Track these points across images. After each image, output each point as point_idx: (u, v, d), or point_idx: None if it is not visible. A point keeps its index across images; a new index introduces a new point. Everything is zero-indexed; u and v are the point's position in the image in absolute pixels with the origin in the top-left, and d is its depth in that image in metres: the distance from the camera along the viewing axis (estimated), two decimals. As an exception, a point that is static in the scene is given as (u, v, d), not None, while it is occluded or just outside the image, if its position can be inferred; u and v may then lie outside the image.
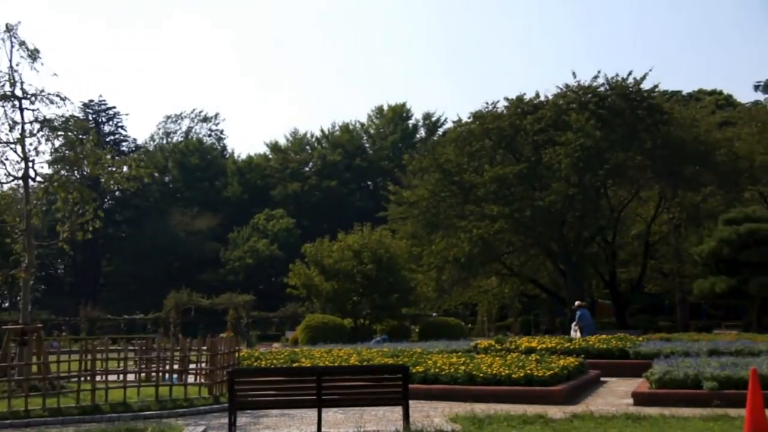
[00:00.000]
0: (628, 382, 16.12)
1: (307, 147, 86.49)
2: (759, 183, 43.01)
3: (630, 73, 38.69)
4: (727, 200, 40.73)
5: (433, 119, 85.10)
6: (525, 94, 40.50)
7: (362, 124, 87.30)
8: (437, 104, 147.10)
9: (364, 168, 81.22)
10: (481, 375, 14.51)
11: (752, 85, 67.60)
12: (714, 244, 32.08)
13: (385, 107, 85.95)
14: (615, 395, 14.74)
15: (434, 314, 46.82)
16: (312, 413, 11.72)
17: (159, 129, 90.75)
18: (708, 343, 19.48)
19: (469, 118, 41.05)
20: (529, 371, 14.40)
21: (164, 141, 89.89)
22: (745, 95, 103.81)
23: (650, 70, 41.07)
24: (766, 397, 10.86)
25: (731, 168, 40.60)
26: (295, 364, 17.86)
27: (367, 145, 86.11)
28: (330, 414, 12.59)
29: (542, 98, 40.39)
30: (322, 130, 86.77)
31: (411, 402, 11.03)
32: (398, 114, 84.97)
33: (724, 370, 13.31)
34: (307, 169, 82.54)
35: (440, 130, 79.45)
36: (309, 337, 33.54)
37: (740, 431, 9.42)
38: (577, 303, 27.01)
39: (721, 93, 65.96)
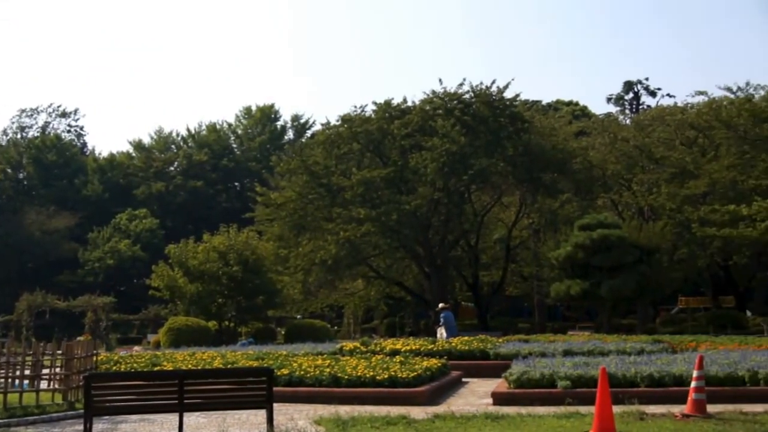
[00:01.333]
0: (488, 382, 16.59)
1: (173, 146, 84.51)
2: (611, 191, 45.27)
3: (494, 82, 39.92)
4: (582, 207, 42.67)
5: (302, 121, 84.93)
6: (393, 98, 41.05)
7: (230, 125, 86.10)
8: (306, 106, 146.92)
9: (231, 169, 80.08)
10: (347, 377, 14.61)
11: (605, 97, 71.02)
12: (570, 248, 33.38)
13: (254, 108, 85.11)
14: (476, 395, 15.15)
15: (300, 316, 46.72)
16: (173, 418, 11.47)
17: (13, 123, 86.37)
18: (563, 344, 20.31)
19: (337, 121, 41.21)
20: (393, 373, 14.60)
21: (18, 136, 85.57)
22: (599, 107, 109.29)
23: (512, 80, 42.61)
24: (615, 394, 11.48)
25: (586, 176, 42.59)
26: (156, 368, 17.42)
27: (234, 145, 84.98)
28: (192, 418, 12.37)
29: (410, 103, 41.05)
30: (188, 130, 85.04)
31: (276, 405, 10.99)
32: (266, 115, 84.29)
33: (576, 369, 13.93)
34: (172, 168, 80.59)
35: (309, 132, 79.39)
36: (172, 340, 32.77)
37: (590, 427, 9.87)
38: (441, 305, 27.56)
39: (577, 104, 69.02)
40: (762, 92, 40.16)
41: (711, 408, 11.30)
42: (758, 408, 11.75)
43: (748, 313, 43.69)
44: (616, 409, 10.71)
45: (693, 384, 11.27)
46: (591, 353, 18.22)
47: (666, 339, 23.97)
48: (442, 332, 25.79)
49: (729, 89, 41.70)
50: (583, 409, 11.65)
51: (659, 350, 18.84)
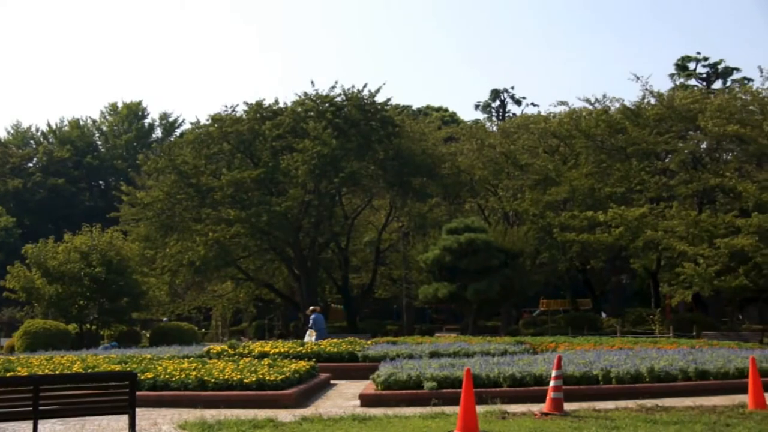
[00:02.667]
0: (356, 384, 16.70)
1: (32, 141, 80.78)
2: (478, 196, 46.47)
3: (365, 86, 40.30)
4: (450, 211, 43.63)
5: (171, 119, 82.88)
6: (264, 99, 40.78)
7: (94, 121, 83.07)
8: (175, 105, 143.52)
9: (95, 166, 77.24)
10: (213, 380, 14.37)
11: (473, 104, 72.87)
12: (438, 252, 33.94)
13: (120, 104, 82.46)
14: (344, 397, 15.22)
15: (166, 319, 45.60)
16: (27, 426, 10.97)
17: None
18: (430, 346, 20.66)
19: (207, 120, 40.58)
20: (261, 376, 14.48)
21: None
22: (468, 114, 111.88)
23: (384, 84, 43.09)
24: (479, 394, 11.80)
25: (454, 181, 43.56)
26: (9, 374, 16.58)
27: (99, 142, 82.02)
28: (48, 426, 11.86)
29: (281, 105, 40.89)
30: (48, 125, 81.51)
31: (139, 410, 10.70)
32: (133, 112, 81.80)
33: (443, 370, 14.22)
34: (30, 165, 76.97)
35: (177, 131, 77.66)
36: (27, 344, 31.28)
37: (454, 427, 10.10)
38: (311, 308, 27.58)
39: (447, 110, 70.51)
40: (617, 105, 42.22)
41: (568, 406, 11.78)
42: (610, 405, 12.36)
43: (603, 315, 45.78)
44: (480, 408, 11.01)
45: (552, 383, 11.72)
46: (457, 355, 18.62)
47: (528, 340, 24.77)
48: (310, 335, 25.80)
49: (588, 101, 43.64)
50: (448, 409, 11.91)
51: (521, 351, 19.46)
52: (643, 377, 14.34)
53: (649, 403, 12.42)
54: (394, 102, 43.57)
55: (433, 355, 18.34)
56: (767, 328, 41.36)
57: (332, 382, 17.92)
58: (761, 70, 39.42)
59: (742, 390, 12.65)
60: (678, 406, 12.19)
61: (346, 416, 11.64)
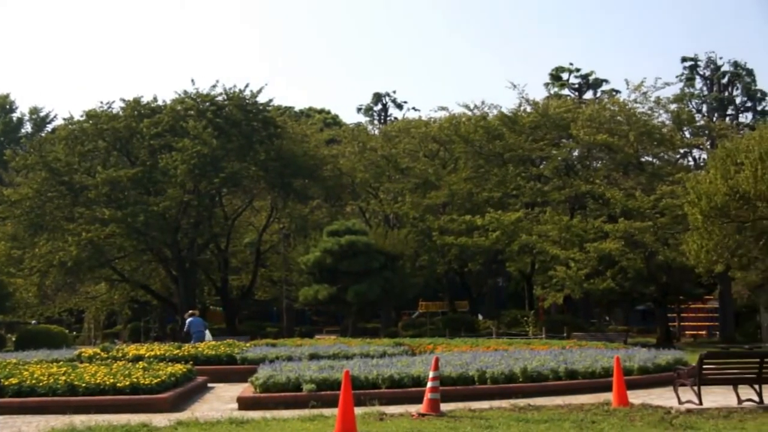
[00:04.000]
0: (235, 387, 16.49)
1: None
2: (359, 198, 46.74)
3: (247, 86, 39.95)
4: (331, 213, 43.70)
5: (42, 114, 79.47)
6: (143, 96, 39.75)
7: (-43, 114, 78.73)
8: (46, 99, 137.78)
9: (-43, 162, 73.29)
10: (84, 385, 13.88)
11: (356, 107, 73.24)
12: (319, 253, 33.96)
13: (-15, 97, 78.45)
14: (221, 401, 15.01)
15: (35, 321, 43.69)
16: None
17: None
18: (310, 348, 20.65)
19: (81, 116, 39.16)
20: (135, 379, 14.09)
21: None
22: (350, 116, 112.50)
23: (266, 84, 42.79)
24: (358, 396, 11.88)
25: (336, 183, 43.67)
26: None
27: (-38, 136, 77.84)
28: None
29: (160, 102, 39.97)
30: None
31: (1, 417, 10.23)
32: (1, 105, 78.07)
33: (322, 372, 14.24)
34: None
35: (49, 127, 74.57)
36: None
37: (332, 429, 10.14)
38: (189, 312, 27.17)
39: (329, 112, 70.54)
40: (495, 111, 43.34)
41: (445, 406, 12.01)
42: (485, 405, 12.69)
43: (480, 317, 46.84)
44: (359, 410, 11.09)
45: (429, 384, 11.92)
46: (336, 357, 18.69)
47: (407, 342, 25.08)
48: (208, 336, 25.72)
49: (467, 107, 44.62)
50: (327, 411, 11.93)
51: (400, 353, 19.69)
52: (517, 377, 14.79)
53: (522, 402, 12.82)
54: (276, 103, 43.36)
55: (313, 357, 18.34)
56: (631, 329, 43.45)
57: (210, 385, 17.65)
58: (628, 83, 41.31)
59: (608, 388, 13.23)
60: (549, 404, 12.63)
61: (223, 420, 11.49)
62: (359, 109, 70.12)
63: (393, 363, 15.70)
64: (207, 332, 26.38)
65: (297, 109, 65.28)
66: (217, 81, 40.24)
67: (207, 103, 38.95)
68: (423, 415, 11.50)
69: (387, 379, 13.99)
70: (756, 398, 12.50)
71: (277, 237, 45.06)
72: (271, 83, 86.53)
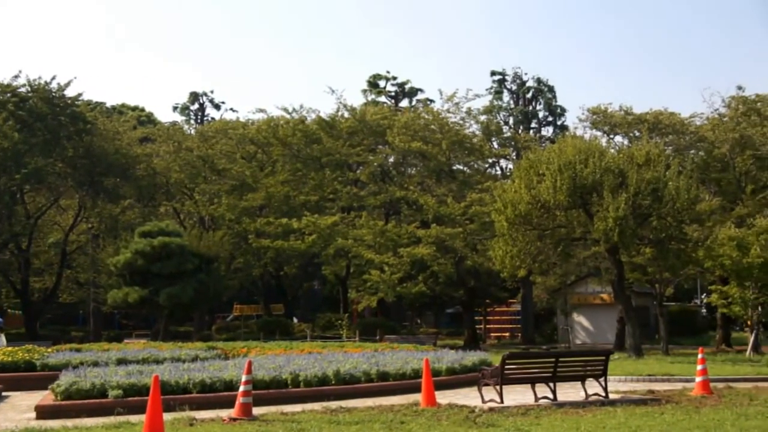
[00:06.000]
0: (34, 395, 15.59)
1: None
2: (174, 199, 45.61)
3: (54, 78, 38.01)
4: (144, 213, 42.41)
5: None
6: None
7: None
8: None
9: None
10: None
11: (171, 106, 71.30)
12: (129, 255, 32.91)
13: None
14: (17, 410, 14.13)
15: None
16: None
17: None
18: (118, 353, 19.92)
19: None
20: None
21: None
22: (166, 115, 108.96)
23: (75, 78, 40.90)
24: (167, 401, 11.58)
25: (149, 183, 42.45)
26: None
27: None
28: None
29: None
30: None
31: None
32: None
33: (130, 378, 13.76)
34: None
35: None
36: None
37: (140, 436, 9.84)
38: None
39: (143, 110, 68.25)
40: (313, 115, 43.62)
41: (257, 410, 11.94)
42: (298, 408, 12.73)
43: (295, 320, 46.98)
44: (168, 416, 10.81)
45: (241, 388, 11.82)
46: (146, 361, 18.14)
47: (220, 346, 24.80)
48: (2, 341, 24.12)
49: (286, 110, 44.65)
50: (134, 418, 11.54)
51: (213, 357, 19.42)
52: (330, 380, 14.95)
53: (334, 404, 12.97)
54: (86, 97, 41.53)
55: (121, 362, 17.69)
56: (441, 331, 45.02)
57: (5, 394, 16.58)
58: (441, 93, 42.90)
59: (418, 389, 13.63)
60: (360, 406, 12.85)
61: (18, 431, 10.84)
62: (175, 108, 68.32)
63: (205, 367, 15.45)
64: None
65: (109, 105, 62.68)
66: (20, 71, 37.94)
67: (8, 95, 36.72)
68: (234, 419, 11.38)
69: (198, 384, 13.74)
70: (551, 396, 13.31)
71: (86, 237, 43.17)
72: (81, 77, 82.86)
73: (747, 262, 25.49)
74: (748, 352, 26.27)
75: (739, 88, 40.52)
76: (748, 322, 27.63)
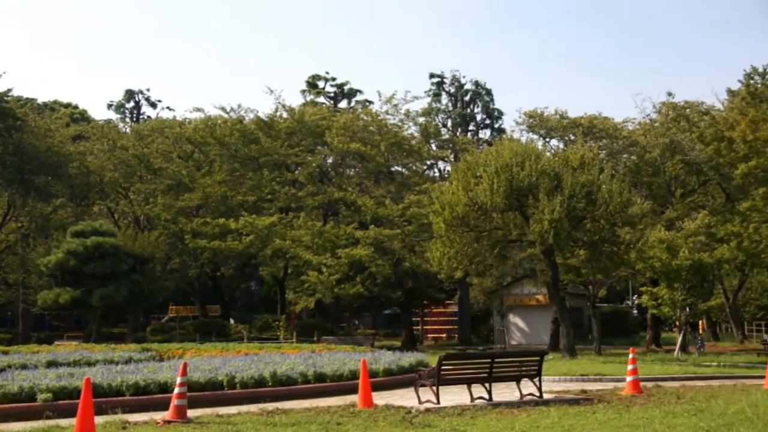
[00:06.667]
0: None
1: None
2: (108, 198, 44.78)
3: (-17, 74, 36.95)
4: (77, 213, 41.58)
5: None
6: None
7: None
8: None
9: None
10: None
11: (106, 103, 69.99)
12: (61, 255, 32.27)
13: None
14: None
15: None
16: None
17: None
18: (48, 355, 19.50)
19: None
20: None
21: None
22: (100, 113, 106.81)
23: (4, 73, 39.82)
24: (99, 404, 11.37)
25: (83, 181, 41.64)
26: None
27: None
28: None
29: None
30: None
31: None
32: None
33: (60, 381, 13.44)
34: None
35: None
36: None
37: (70, 439, 9.64)
38: None
39: (76, 107, 66.83)
40: (252, 115, 43.28)
41: (192, 412, 11.79)
42: (234, 410, 12.61)
43: (232, 321, 46.51)
44: (99, 419, 10.62)
45: (176, 390, 11.65)
46: (78, 363, 17.79)
47: (155, 347, 24.46)
48: None
49: (224, 109, 44.13)
50: (64, 422, 11.28)
51: (147, 358, 19.14)
52: (267, 381, 14.85)
53: (270, 406, 12.88)
54: (16, 93, 40.51)
55: (51, 364, 17.30)
56: (379, 332, 45.13)
57: None
58: (380, 95, 43.05)
59: (355, 390, 13.63)
60: (297, 408, 12.79)
61: (-59, 437, 10.54)
62: (110, 106, 67.14)
63: (139, 369, 15.21)
64: None
65: (40, 101, 61.21)
66: (-56, 65, 36.87)
67: (-66, 91, 35.67)
68: (168, 422, 11.22)
69: (132, 386, 13.51)
70: (486, 396, 13.45)
71: (15, 237, 42.07)
72: (11, 72, 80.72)
73: (676, 264, 26.16)
74: (676, 352, 26.97)
75: (669, 94, 41.76)
76: (677, 323, 28.35)
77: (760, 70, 40.76)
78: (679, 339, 27.67)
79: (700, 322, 33.80)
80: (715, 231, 32.16)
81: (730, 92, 40.67)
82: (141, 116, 65.62)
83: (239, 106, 44.66)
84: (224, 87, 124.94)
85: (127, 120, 63.92)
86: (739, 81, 40.34)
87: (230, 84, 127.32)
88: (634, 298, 53.65)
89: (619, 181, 26.66)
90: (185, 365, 12.24)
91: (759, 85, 36.56)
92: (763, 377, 16.78)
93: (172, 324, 45.42)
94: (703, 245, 29.12)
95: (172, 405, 11.55)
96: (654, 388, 15.45)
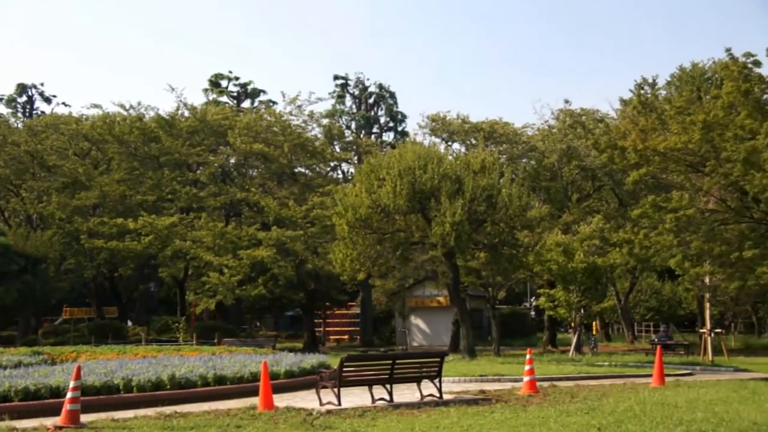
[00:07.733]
0: None
1: None
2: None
3: None
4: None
5: None
6: None
7: None
8: None
9: None
10: None
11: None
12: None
13: None
14: None
15: None
16: None
17: None
18: None
19: None
20: None
21: None
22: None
23: None
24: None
25: (-29, 178, 39.88)
26: None
27: None
28: None
29: None
30: None
31: None
32: None
33: None
34: None
35: None
36: None
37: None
38: None
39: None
40: (152, 113, 42.36)
41: (86, 417, 11.46)
42: (130, 414, 12.31)
43: (130, 323, 45.40)
44: (-16, 427, 10.23)
45: (69, 395, 11.30)
46: None
47: (47, 350, 23.69)
48: None
49: (123, 106, 43.01)
50: None
51: (38, 362, 18.49)
52: (165, 384, 14.55)
53: (168, 410, 12.64)
54: None
55: None
56: (280, 334, 44.89)
57: None
58: (284, 95, 42.89)
59: (256, 393, 13.51)
60: (196, 411, 12.59)
61: None
62: (0, 100, 64.52)
63: (29, 373, 14.68)
64: None
65: None
66: None
67: None
68: (60, 428, 10.88)
69: (21, 391, 13.03)
70: (387, 397, 13.54)
71: None
72: None
73: (572, 266, 26.93)
74: (571, 353, 27.76)
75: (566, 101, 43.09)
76: (572, 324, 29.18)
77: (650, 80, 42.49)
78: (574, 340, 28.46)
79: (594, 323, 34.89)
80: (608, 236, 33.34)
81: (623, 101, 42.26)
82: (34, 111, 63.31)
83: (139, 103, 43.79)
84: (123, 84, 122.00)
85: (19, 115, 61.58)
86: (630, 90, 41.97)
87: (130, 81, 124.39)
88: (532, 300, 55.01)
89: (518, 185, 27.30)
90: (79, 368, 11.90)
91: (649, 95, 38.08)
92: (650, 376, 17.50)
93: (66, 326, 43.93)
94: (597, 249, 30.08)
95: (64, 410, 11.20)
96: (550, 388, 15.88)
